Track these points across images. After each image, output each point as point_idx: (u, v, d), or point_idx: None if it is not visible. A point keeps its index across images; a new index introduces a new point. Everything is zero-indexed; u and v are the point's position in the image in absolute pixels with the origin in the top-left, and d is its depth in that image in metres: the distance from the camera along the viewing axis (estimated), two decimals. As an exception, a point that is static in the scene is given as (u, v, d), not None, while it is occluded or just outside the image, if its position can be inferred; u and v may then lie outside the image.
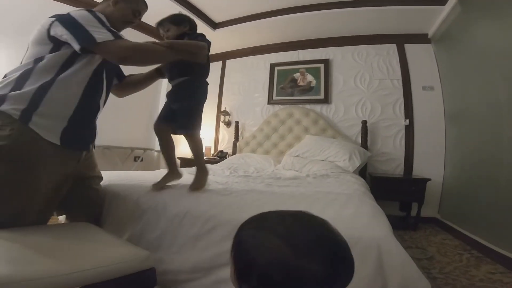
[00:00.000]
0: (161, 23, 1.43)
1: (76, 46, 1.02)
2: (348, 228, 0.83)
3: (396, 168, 3.25)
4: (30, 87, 0.99)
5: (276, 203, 1.19)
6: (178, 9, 3.06)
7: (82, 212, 1.25)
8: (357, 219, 0.99)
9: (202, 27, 3.54)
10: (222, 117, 4.13)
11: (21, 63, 1.08)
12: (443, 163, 3.09)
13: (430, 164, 3.12)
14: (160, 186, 1.36)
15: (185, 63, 1.32)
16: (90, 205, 1.29)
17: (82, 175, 1.23)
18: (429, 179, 2.83)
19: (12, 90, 0.98)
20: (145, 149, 3.41)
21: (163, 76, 1.52)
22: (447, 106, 3.10)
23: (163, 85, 3.87)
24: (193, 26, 1.46)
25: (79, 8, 1.12)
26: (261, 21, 3.45)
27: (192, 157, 1.49)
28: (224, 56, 4.37)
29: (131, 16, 1.29)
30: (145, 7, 1.34)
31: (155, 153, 3.70)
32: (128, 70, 1.43)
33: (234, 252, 0.50)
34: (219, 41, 3.95)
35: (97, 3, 1.31)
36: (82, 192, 1.24)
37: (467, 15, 2.52)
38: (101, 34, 1.03)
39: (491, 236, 2.07)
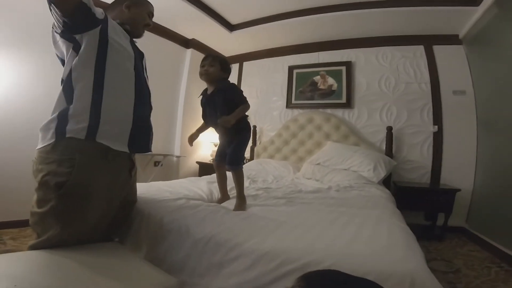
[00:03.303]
0: (212, 57, 1.57)
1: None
2: (380, 263, 0.84)
3: (422, 176, 3.11)
4: (82, 99, 1.01)
5: (301, 231, 1.13)
6: (193, 10, 3.09)
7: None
8: (389, 251, 0.94)
9: (219, 30, 3.55)
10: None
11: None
12: (474, 172, 2.92)
13: (459, 173, 2.96)
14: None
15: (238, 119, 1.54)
16: (117, 226, 1.29)
17: (125, 198, 1.24)
18: (459, 190, 2.68)
19: (65, 106, 1.01)
20: (165, 155, 3.42)
21: None
22: (480, 112, 2.92)
23: (181, 95, 3.91)
24: (229, 75, 1.65)
25: None
26: (278, 22, 3.38)
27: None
28: (241, 58, 4.33)
29: (147, 19, 1.32)
30: (152, 7, 1.37)
31: (175, 158, 3.71)
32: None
33: None
34: (236, 43, 3.95)
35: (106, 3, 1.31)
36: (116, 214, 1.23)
37: (504, 18, 2.35)
38: None
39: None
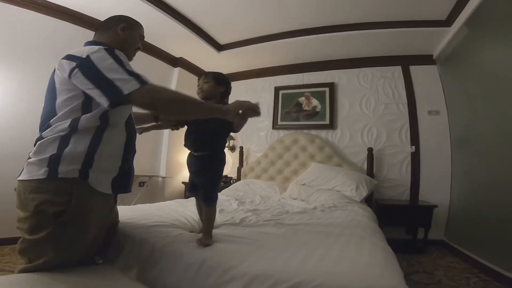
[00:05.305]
0: (205, 74, 1.50)
1: (105, 103, 0.97)
2: (362, 281, 0.90)
3: (402, 193, 3.23)
4: (78, 147, 1.01)
5: (291, 253, 1.18)
6: (181, 29, 3.13)
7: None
8: (370, 269, 1.00)
9: (207, 49, 3.61)
10: (226, 142, 4.12)
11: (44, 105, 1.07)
12: (449, 188, 3.07)
13: (436, 189, 3.11)
14: None
15: (210, 134, 1.36)
16: (103, 249, 1.30)
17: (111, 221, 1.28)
18: (436, 206, 2.80)
19: (58, 150, 0.99)
20: (150, 176, 3.39)
21: (157, 124, 1.54)
22: (453, 131, 3.09)
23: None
24: (229, 90, 1.52)
25: (96, 47, 1.04)
26: (265, 43, 3.48)
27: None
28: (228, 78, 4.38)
29: (139, 42, 1.31)
30: (143, 30, 1.36)
31: (160, 179, 3.69)
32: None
33: None
34: (223, 63, 3.99)
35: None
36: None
37: (474, 38, 2.50)
38: (127, 83, 0.96)
39: (499, 260, 2.04)
